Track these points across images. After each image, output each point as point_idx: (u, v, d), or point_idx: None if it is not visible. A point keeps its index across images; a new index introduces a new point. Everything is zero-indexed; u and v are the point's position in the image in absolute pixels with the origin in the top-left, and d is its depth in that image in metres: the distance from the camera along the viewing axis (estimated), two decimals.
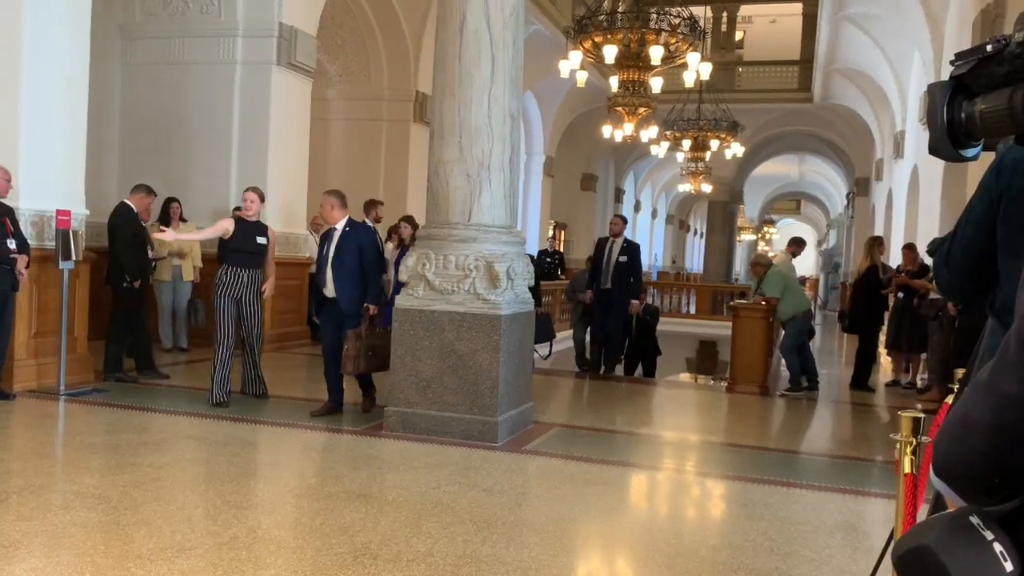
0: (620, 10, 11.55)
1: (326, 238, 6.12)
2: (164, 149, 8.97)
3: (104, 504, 3.83)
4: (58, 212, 6.31)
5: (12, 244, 5.75)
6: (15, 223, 5.90)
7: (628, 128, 12.79)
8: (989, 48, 1.28)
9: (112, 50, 9.07)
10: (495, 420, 5.44)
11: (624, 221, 9.08)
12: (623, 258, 8.69)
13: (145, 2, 9.13)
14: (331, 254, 5.98)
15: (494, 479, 4.66)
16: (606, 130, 15.06)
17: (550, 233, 21.24)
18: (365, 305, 5.98)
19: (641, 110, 11.91)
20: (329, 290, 6.00)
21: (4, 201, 5.86)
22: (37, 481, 4.15)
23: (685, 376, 19.56)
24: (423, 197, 6.53)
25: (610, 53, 10.37)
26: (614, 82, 11.85)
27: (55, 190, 6.44)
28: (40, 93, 6.33)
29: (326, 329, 6.14)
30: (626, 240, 8.91)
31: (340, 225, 6.05)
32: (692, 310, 20.23)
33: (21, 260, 5.83)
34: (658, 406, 8.36)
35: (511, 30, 5.68)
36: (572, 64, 11.37)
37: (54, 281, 6.37)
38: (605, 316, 8.80)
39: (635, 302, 8.79)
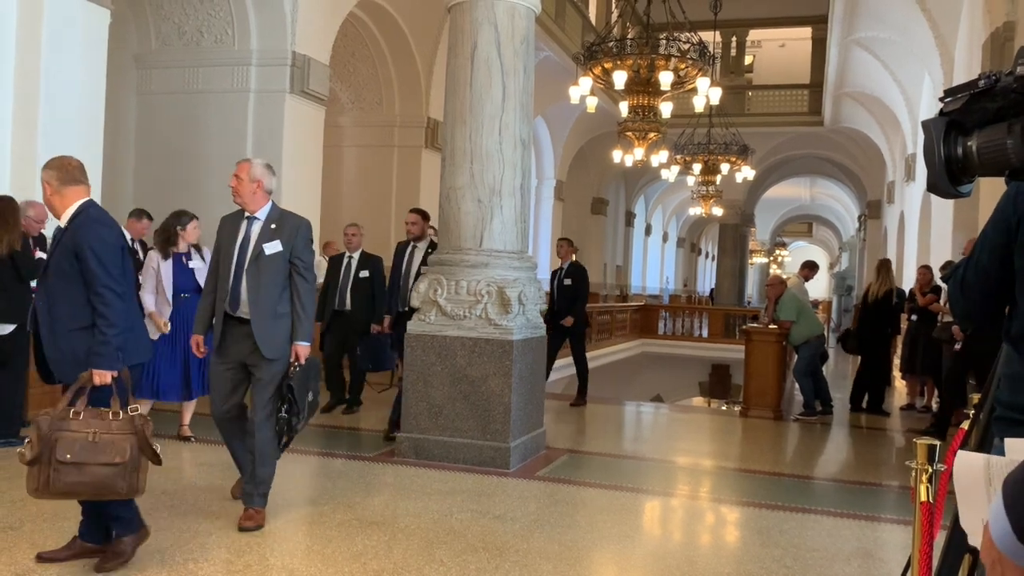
0: (630, 36, 11.63)
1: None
2: (179, 176, 9.04)
3: None
4: None
5: None
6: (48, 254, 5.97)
7: (638, 153, 12.84)
8: (981, 84, 1.28)
9: (128, 79, 9.18)
10: (507, 446, 5.43)
11: (570, 244, 8.95)
12: (567, 281, 8.68)
13: (160, 32, 9.25)
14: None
15: (507, 506, 4.64)
16: (616, 155, 15.11)
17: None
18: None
19: (651, 135, 11.95)
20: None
21: (43, 232, 5.93)
22: (50, 508, 4.15)
23: (698, 400, 19.49)
24: (434, 223, 6.58)
25: (620, 79, 10.43)
26: (624, 107, 11.91)
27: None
28: (57, 123, 6.42)
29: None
30: (573, 264, 8.83)
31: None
32: (704, 333, 20.16)
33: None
34: (671, 431, 8.32)
35: (521, 57, 5.73)
36: (582, 90, 11.43)
37: None
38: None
39: (569, 317, 8.49)
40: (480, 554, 3.78)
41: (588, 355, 9.32)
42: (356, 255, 7.40)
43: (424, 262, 6.22)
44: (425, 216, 6.65)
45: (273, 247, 3.92)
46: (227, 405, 4.05)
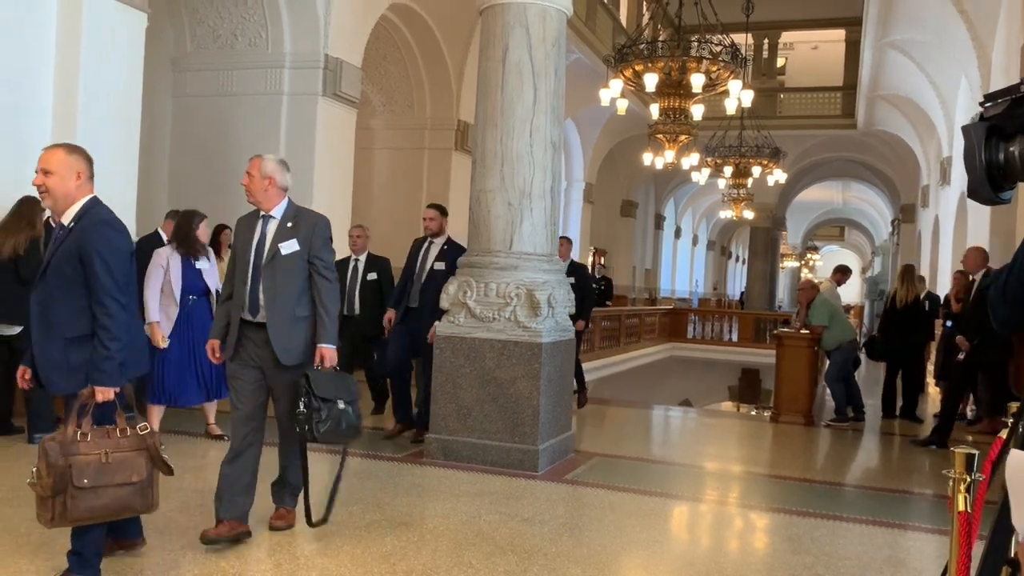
0: (661, 38, 11.58)
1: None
2: (213, 178, 9.15)
3: (148, 525, 3.89)
4: None
5: None
6: None
7: (669, 155, 12.78)
8: (1022, 89, 1.26)
9: (164, 82, 9.31)
10: (535, 449, 5.43)
11: (569, 242, 8.57)
12: (570, 279, 8.51)
13: (196, 35, 9.37)
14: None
15: (535, 509, 4.64)
16: (647, 157, 15.06)
17: (590, 259, 21.20)
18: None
19: (682, 137, 11.90)
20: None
21: None
22: None
23: (727, 405, 19.34)
24: (464, 224, 6.55)
25: (651, 81, 10.40)
26: (655, 110, 11.87)
27: None
28: (94, 125, 6.53)
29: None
30: (572, 262, 8.43)
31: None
32: (734, 337, 20.03)
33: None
34: (700, 436, 8.27)
35: (553, 60, 5.74)
36: (613, 92, 11.41)
37: None
38: None
39: (580, 321, 8.08)
40: (509, 557, 3.79)
41: (617, 358, 9.33)
42: (363, 257, 7.20)
43: (440, 258, 6.18)
44: (443, 212, 6.47)
45: (290, 246, 3.72)
46: (251, 423, 3.78)
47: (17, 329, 5.45)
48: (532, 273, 5.64)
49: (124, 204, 6.88)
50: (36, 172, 3.04)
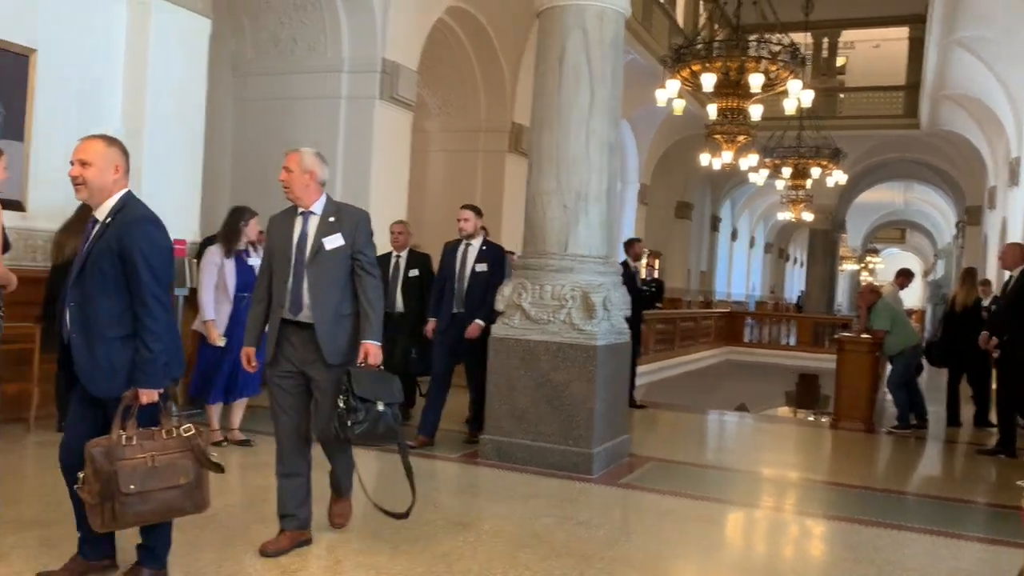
0: (718, 38, 11.45)
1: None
2: (273, 180, 9.27)
3: (214, 523, 3.97)
4: (175, 242, 6.62)
5: None
6: None
7: (727, 156, 12.64)
8: None
9: (225, 86, 9.50)
10: (591, 452, 5.41)
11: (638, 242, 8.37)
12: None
13: (257, 40, 9.55)
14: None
15: (591, 512, 4.62)
16: (704, 158, 14.89)
17: (644, 261, 21.05)
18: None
19: (740, 138, 11.76)
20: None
21: None
22: None
23: (784, 410, 19.02)
24: (517, 226, 6.55)
25: (708, 81, 10.29)
26: (712, 110, 11.74)
27: (172, 221, 6.71)
28: (161, 129, 6.73)
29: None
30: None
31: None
32: (792, 342, 19.69)
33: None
34: (756, 441, 8.14)
35: (610, 61, 5.71)
36: (669, 93, 11.31)
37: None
38: None
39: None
40: (565, 560, 3.78)
41: (671, 362, 9.24)
42: (404, 254, 6.97)
43: (480, 259, 6.06)
44: (479, 212, 6.28)
45: (334, 241, 3.61)
46: (296, 421, 3.71)
47: None
48: (588, 275, 5.62)
49: (188, 205, 7.09)
50: (71, 163, 2.93)
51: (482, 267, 6.10)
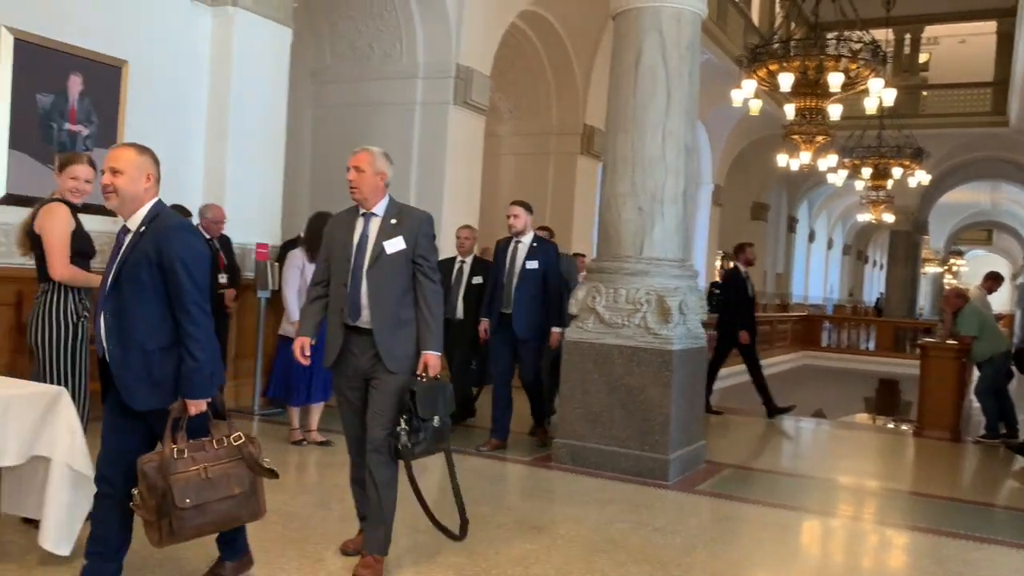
0: (796, 37, 11.22)
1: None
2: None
3: (296, 521, 4.07)
4: (258, 245, 6.85)
5: (223, 278, 6.25)
6: (230, 256, 6.43)
7: (805, 157, 12.37)
8: None
9: (304, 93, 9.72)
10: (666, 458, 5.36)
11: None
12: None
13: (335, 48, 9.76)
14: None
15: (667, 519, 4.58)
16: (781, 159, 14.61)
17: (718, 264, 20.75)
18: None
19: (819, 138, 11.50)
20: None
21: (225, 234, 6.41)
22: None
23: (862, 417, 18.50)
24: (588, 229, 6.54)
25: (786, 81, 10.09)
26: (789, 110, 11.51)
27: (255, 225, 6.99)
28: (244, 135, 6.93)
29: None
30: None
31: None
32: (871, 346, 19.15)
33: (229, 293, 6.33)
34: (835, 449, 7.95)
35: (687, 63, 5.66)
36: (745, 93, 11.13)
37: (252, 309, 6.88)
38: None
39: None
40: (642, 566, 3.76)
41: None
42: (468, 260, 6.79)
43: (530, 256, 5.92)
44: (529, 209, 6.09)
45: (395, 244, 3.45)
46: (360, 429, 3.57)
47: None
48: (663, 279, 5.58)
49: (270, 210, 7.29)
50: (103, 171, 2.87)
51: (533, 264, 5.94)
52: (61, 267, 3.78)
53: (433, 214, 6.89)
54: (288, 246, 6.77)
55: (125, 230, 2.90)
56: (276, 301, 6.74)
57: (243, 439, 2.96)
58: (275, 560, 3.55)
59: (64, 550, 3.13)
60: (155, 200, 2.94)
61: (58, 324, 3.82)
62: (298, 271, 5.74)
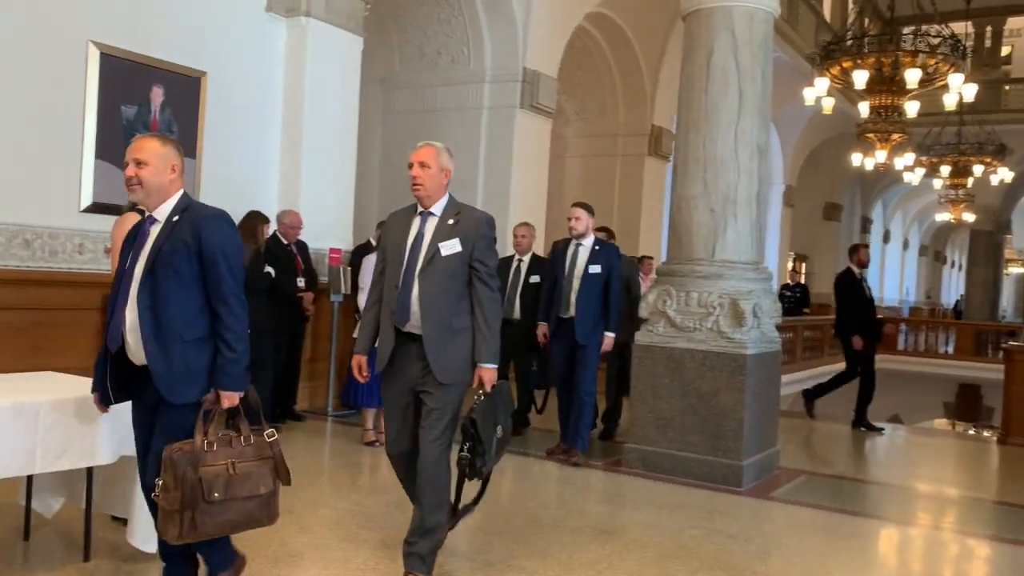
0: (871, 33, 10.94)
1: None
2: None
3: (371, 522, 4.14)
4: (331, 250, 6.98)
5: (300, 282, 6.38)
6: (307, 260, 6.57)
7: (880, 155, 12.04)
8: None
9: (374, 100, 9.87)
10: (740, 464, 5.28)
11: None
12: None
13: (403, 55, 9.88)
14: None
15: (740, 525, 4.51)
16: (855, 158, 14.25)
17: (789, 265, 20.34)
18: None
19: (895, 136, 11.19)
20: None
21: (301, 239, 6.54)
22: (314, 496, 4.56)
23: (941, 422, 17.92)
24: (656, 231, 6.47)
25: (860, 78, 9.84)
26: (864, 107, 11.22)
27: (328, 230, 7.13)
28: (317, 143, 7.08)
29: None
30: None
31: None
32: (950, 350, 18.53)
33: (307, 297, 6.47)
34: (912, 455, 7.72)
35: (760, 62, 5.57)
36: (818, 91, 10.90)
37: (326, 312, 7.01)
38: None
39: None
40: (715, 573, 3.71)
41: (820, 370, 8.88)
42: (526, 258, 6.58)
43: (593, 260, 5.67)
44: (590, 211, 5.85)
45: (451, 247, 3.24)
46: (406, 443, 3.40)
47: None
48: (736, 281, 5.49)
49: (342, 215, 7.43)
50: (127, 163, 2.75)
51: (595, 268, 5.69)
52: None
53: (499, 218, 6.96)
54: (359, 251, 6.89)
55: (151, 220, 2.79)
56: (349, 305, 6.86)
57: (275, 437, 2.85)
58: (351, 560, 3.61)
59: (152, 547, 3.23)
60: (181, 192, 2.82)
61: None
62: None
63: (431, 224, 3.31)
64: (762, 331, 5.53)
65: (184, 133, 6.33)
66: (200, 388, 2.74)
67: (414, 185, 3.28)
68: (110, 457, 3.25)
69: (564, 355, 5.79)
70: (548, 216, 10.38)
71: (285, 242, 6.35)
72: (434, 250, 3.25)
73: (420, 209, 3.34)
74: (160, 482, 2.66)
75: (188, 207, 2.78)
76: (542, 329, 5.97)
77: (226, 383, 2.74)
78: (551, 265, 5.96)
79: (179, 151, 2.84)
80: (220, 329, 2.74)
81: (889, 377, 17.79)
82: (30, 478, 3.52)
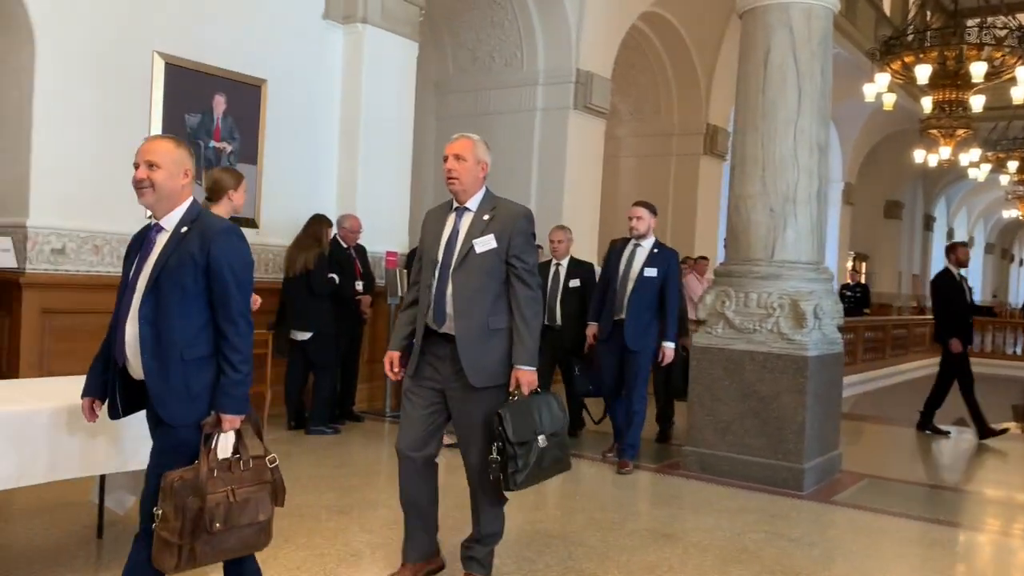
0: (933, 26, 10.67)
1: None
2: None
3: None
4: (387, 254, 7.06)
5: (359, 286, 6.48)
6: (365, 264, 6.67)
7: (944, 152, 11.73)
8: None
9: (428, 104, 9.96)
10: (801, 467, 5.19)
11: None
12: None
13: (457, 59, 9.95)
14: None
15: (802, 529, 4.44)
16: (917, 154, 13.91)
17: (849, 265, 19.95)
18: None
19: (960, 132, 10.88)
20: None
21: (360, 243, 6.63)
22: (373, 496, 4.62)
23: (1010, 425, 17.36)
24: (712, 231, 6.39)
25: (923, 73, 9.61)
26: (927, 103, 10.95)
27: (384, 234, 7.21)
28: (373, 148, 7.17)
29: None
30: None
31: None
32: (1019, 350, 17.96)
33: (365, 300, 6.56)
34: (979, 459, 7.49)
35: (819, 59, 5.48)
36: (878, 87, 10.67)
37: (383, 315, 7.09)
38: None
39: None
40: None
41: (882, 372, 8.67)
42: (564, 262, 6.39)
43: (650, 263, 5.45)
44: (653, 210, 5.63)
45: (486, 243, 3.09)
46: (424, 450, 3.23)
47: (309, 335, 6.09)
48: (797, 282, 5.41)
49: (398, 219, 7.51)
50: (137, 165, 2.58)
51: (652, 272, 5.46)
52: None
53: (552, 220, 6.97)
54: (414, 254, 6.95)
55: (157, 228, 2.63)
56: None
57: (276, 463, 2.68)
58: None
59: None
60: (191, 199, 2.66)
61: None
62: None
63: (466, 220, 3.17)
64: (823, 332, 5.44)
65: (245, 140, 6.48)
66: (199, 410, 2.57)
67: (449, 179, 3.15)
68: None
69: (613, 360, 5.59)
70: (602, 218, 10.35)
71: (344, 246, 6.44)
72: (468, 247, 3.10)
73: (455, 205, 3.21)
74: (159, 512, 2.49)
75: (197, 218, 2.62)
76: (591, 330, 5.77)
77: (228, 406, 2.56)
78: (605, 265, 5.74)
79: (192, 155, 2.69)
80: (225, 349, 2.57)
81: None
82: (103, 476, 3.63)
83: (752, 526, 4.43)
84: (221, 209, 4.07)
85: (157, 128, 5.89)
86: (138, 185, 2.58)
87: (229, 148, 6.38)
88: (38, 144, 5.32)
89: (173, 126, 5.97)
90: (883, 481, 5.83)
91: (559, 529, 4.18)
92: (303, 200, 6.82)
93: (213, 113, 6.27)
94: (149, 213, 2.65)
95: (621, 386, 5.63)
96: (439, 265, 3.14)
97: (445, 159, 3.14)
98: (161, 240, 2.61)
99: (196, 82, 6.13)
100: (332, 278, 6.18)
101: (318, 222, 6.20)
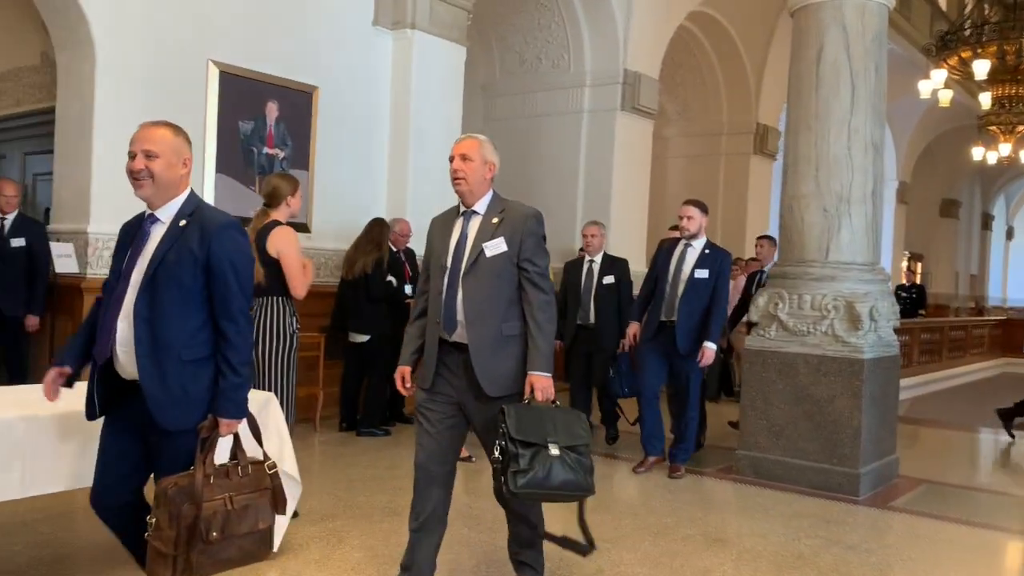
0: (992, 20, 10.40)
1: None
2: (519, 195, 9.61)
3: (479, 524, 4.19)
4: None
5: (408, 289, 6.53)
6: (414, 267, 6.72)
7: (1004, 148, 11.43)
8: None
9: (476, 107, 10.00)
10: (857, 472, 5.10)
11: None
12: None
13: (504, 62, 9.98)
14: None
15: (859, 536, 4.36)
16: (976, 152, 13.56)
17: (904, 265, 19.52)
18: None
19: (1020, 128, 10.59)
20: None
21: (410, 247, 6.68)
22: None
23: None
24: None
25: (981, 68, 9.38)
26: (985, 99, 10.68)
27: None
28: (422, 152, 7.23)
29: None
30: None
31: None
32: None
33: (414, 304, 6.59)
34: None
35: (873, 56, 5.39)
36: (934, 83, 10.45)
37: None
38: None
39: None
40: None
41: (939, 374, 8.46)
42: (598, 258, 6.22)
43: (701, 264, 5.29)
44: (704, 209, 5.46)
45: (496, 246, 2.97)
46: (444, 466, 3.10)
47: (367, 337, 6.16)
48: (852, 284, 5.32)
49: None
50: (133, 154, 2.45)
51: (702, 273, 5.29)
52: (302, 286, 4.13)
53: (602, 220, 6.92)
54: None
55: (152, 219, 2.48)
56: None
57: (276, 468, 2.59)
58: (463, 561, 3.67)
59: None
60: (190, 190, 2.53)
61: (280, 335, 4.16)
62: None
63: (475, 224, 3.04)
64: (879, 334, 5.33)
65: (297, 147, 6.58)
66: (197, 414, 2.46)
67: (455, 179, 3.02)
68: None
69: (658, 363, 5.42)
70: (650, 219, 10.29)
71: (395, 249, 6.50)
72: (478, 251, 2.97)
73: (463, 209, 3.08)
74: (152, 520, 2.38)
75: (196, 210, 2.49)
76: (632, 329, 5.59)
77: (227, 409, 2.46)
78: (653, 264, 5.59)
79: (190, 143, 2.54)
80: (225, 350, 2.45)
81: (1014, 381, 16.84)
82: None
83: (807, 532, 4.37)
84: (280, 214, 4.20)
85: (212, 135, 6.01)
86: (135, 176, 2.43)
87: (282, 154, 6.48)
88: (98, 153, 5.47)
89: (227, 133, 6.09)
90: (942, 487, 5.70)
91: (610, 533, 4.16)
92: (354, 204, 6.91)
93: (266, 120, 6.38)
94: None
95: (660, 388, 5.53)
96: (448, 271, 3.02)
97: (451, 159, 3.05)
98: (157, 233, 2.46)
99: (249, 90, 6.25)
100: (390, 281, 6.24)
101: (378, 226, 6.28)
